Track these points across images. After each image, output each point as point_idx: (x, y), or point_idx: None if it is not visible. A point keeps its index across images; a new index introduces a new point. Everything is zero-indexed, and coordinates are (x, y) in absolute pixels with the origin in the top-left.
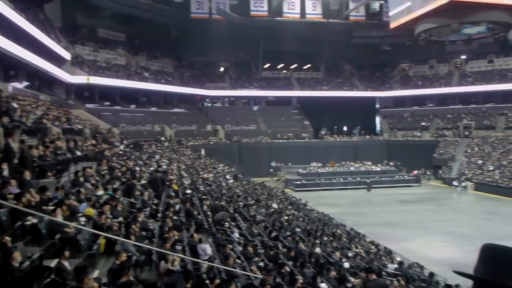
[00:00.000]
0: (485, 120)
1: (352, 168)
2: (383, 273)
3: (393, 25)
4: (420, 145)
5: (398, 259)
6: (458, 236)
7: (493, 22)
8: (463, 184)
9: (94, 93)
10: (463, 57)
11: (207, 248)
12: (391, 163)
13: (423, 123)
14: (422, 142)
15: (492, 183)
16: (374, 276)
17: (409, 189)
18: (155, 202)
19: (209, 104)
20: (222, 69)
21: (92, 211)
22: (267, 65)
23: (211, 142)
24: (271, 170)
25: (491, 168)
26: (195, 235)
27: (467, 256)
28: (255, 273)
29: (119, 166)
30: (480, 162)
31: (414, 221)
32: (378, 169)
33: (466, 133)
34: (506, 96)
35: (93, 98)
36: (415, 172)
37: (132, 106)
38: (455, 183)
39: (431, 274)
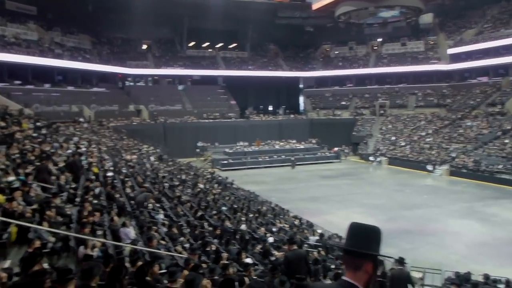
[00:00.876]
0: (398, 100)
1: (277, 147)
2: (305, 245)
3: (315, 6)
4: (340, 123)
5: (319, 231)
6: (373, 207)
7: (405, 6)
8: (378, 159)
9: (3, 71)
10: (379, 39)
11: (130, 232)
12: (314, 141)
13: (343, 103)
14: (342, 120)
15: (403, 158)
16: (295, 247)
17: (330, 165)
18: (73, 186)
19: (131, 83)
20: (144, 46)
21: (1, 198)
22: (192, 43)
23: (134, 123)
24: (198, 150)
25: (403, 143)
26: (116, 218)
27: (381, 225)
28: (180, 253)
29: (32, 150)
30: (393, 138)
31: (334, 195)
32: (302, 147)
33: (381, 111)
34: (416, 77)
35: (1, 76)
36: (336, 149)
37: (47, 85)
38: (371, 158)
39: None
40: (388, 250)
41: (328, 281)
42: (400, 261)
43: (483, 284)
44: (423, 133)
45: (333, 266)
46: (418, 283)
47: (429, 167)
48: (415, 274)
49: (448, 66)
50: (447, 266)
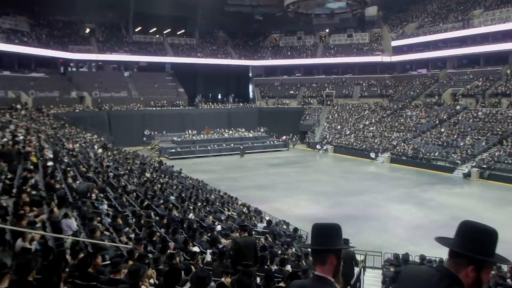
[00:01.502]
0: (344, 89)
1: (226, 135)
2: (253, 232)
3: None
4: (289, 112)
5: (267, 218)
6: (320, 194)
7: None
8: (325, 147)
9: None
10: (327, 30)
11: (72, 223)
12: (262, 130)
13: (292, 92)
14: (290, 109)
15: (348, 146)
16: (245, 234)
17: (278, 153)
18: (9, 176)
19: (74, 69)
20: (87, 30)
21: None
22: (138, 28)
23: (77, 110)
24: (145, 138)
25: (348, 132)
26: (56, 210)
27: (327, 211)
28: (125, 244)
29: None
30: (339, 127)
31: (282, 182)
32: (251, 135)
33: (328, 101)
34: (361, 68)
35: None
36: (284, 137)
37: None
38: (318, 146)
39: (295, 230)
40: None
41: (275, 267)
42: (345, 242)
43: (419, 264)
44: (367, 122)
45: (279, 252)
46: (360, 265)
47: (372, 155)
48: (358, 257)
49: (391, 58)
50: (387, 249)
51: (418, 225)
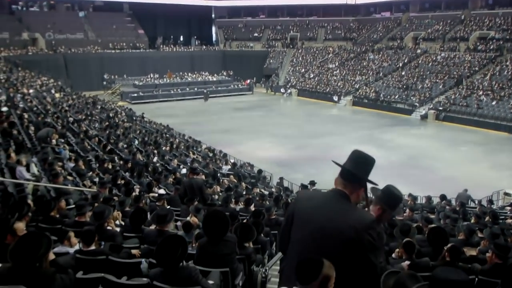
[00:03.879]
0: (309, 32)
1: (189, 79)
2: (218, 174)
3: None
4: (253, 56)
5: (232, 161)
6: (283, 137)
7: None
8: (289, 91)
9: None
10: None
11: (22, 171)
12: (226, 73)
13: (256, 34)
14: (254, 52)
15: (312, 89)
16: (194, 176)
17: (243, 97)
18: None
19: (23, 8)
20: None
21: None
22: None
23: (30, 53)
24: (105, 83)
25: (312, 75)
26: (13, 155)
27: (290, 153)
28: (88, 188)
29: None
30: (303, 70)
31: (247, 126)
32: (214, 79)
33: (292, 44)
34: (326, 10)
35: None
36: (248, 81)
37: None
38: (282, 90)
39: (259, 171)
40: (296, 175)
41: (241, 206)
42: (311, 183)
43: None
44: (331, 65)
45: (244, 192)
46: None
47: (335, 98)
48: None
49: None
50: None
51: (376, 165)
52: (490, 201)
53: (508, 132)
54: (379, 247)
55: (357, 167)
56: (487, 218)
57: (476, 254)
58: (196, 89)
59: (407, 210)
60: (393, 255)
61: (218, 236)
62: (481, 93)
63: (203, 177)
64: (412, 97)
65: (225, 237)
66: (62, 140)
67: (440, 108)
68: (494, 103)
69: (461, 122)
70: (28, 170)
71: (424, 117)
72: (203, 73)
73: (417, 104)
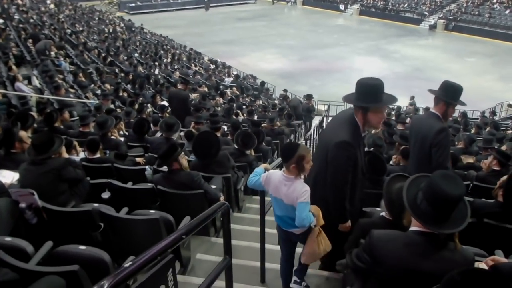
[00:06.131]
0: None
1: None
2: (221, 86)
3: None
4: None
5: (235, 73)
6: (287, 48)
7: None
8: None
9: None
10: None
11: (20, 86)
12: None
13: None
14: None
15: None
16: (182, 87)
17: (245, 6)
18: None
19: None
20: None
21: None
22: None
23: None
24: None
25: None
26: (14, 68)
27: (294, 65)
28: (91, 100)
29: None
30: None
31: (249, 37)
32: None
33: None
34: None
35: None
36: None
37: None
38: None
39: (262, 83)
40: (299, 87)
41: (241, 117)
42: (309, 97)
43: None
44: None
45: (246, 104)
46: (323, 114)
47: (341, 7)
48: (321, 107)
49: None
50: None
51: (381, 77)
52: (493, 112)
53: None
54: (443, 145)
55: (445, 94)
56: (488, 129)
57: (473, 161)
58: None
59: (408, 119)
60: (391, 162)
61: (209, 157)
62: (494, 1)
63: (205, 89)
64: (421, 6)
65: (216, 158)
66: (61, 53)
67: (451, 17)
68: (507, 12)
69: (471, 33)
70: (29, 83)
71: (433, 27)
72: None
73: (427, 13)
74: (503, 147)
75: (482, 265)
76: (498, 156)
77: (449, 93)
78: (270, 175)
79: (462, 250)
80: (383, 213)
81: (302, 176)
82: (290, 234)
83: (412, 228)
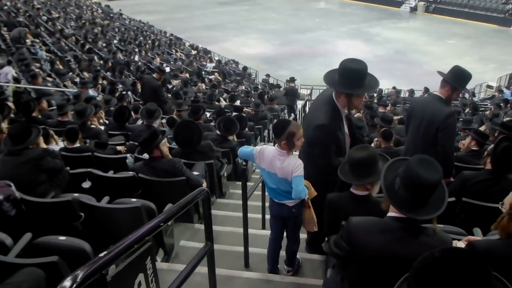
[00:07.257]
0: None
1: None
2: (202, 72)
3: None
4: None
5: (216, 58)
6: (269, 33)
7: None
8: None
9: None
10: None
11: (9, 72)
12: None
13: None
14: None
15: None
16: (154, 74)
17: None
18: None
19: None
20: None
21: None
22: None
23: None
24: None
25: None
26: None
27: (277, 50)
28: (69, 88)
29: None
30: None
31: (231, 22)
32: None
33: None
34: None
35: None
36: None
37: None
38: None
39: (245, 68)
40: (282, 72)
41: (223, 103)
42: (291, 80)
43: None
44: None
45: (229, 89)
46: (305, 98)
47: None
48: (304, 91)
49: None
50: None
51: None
52: (473, 94)
53: (498, 24)
54: (451, 130)
55: (454, 78)
56: (467, 110)
57: None
58: None
59: (389, 104)
60: (372, 144)
61: (190, 146)
62: None
63: (186, 75)
64: None
65: (199, 147)
66: (37, 41)
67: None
68: None
69: (451, 14)
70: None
71: (414, 10)
72: None
73: None
74: (482, 127)
75: (459, 243)
76: (475, 136)
77: (457, 78)
78: (264, 150)
79: (440, 234)
80: (351, 189)
81: (296, 152)
82: (282, 207)
83: (390, 214)
